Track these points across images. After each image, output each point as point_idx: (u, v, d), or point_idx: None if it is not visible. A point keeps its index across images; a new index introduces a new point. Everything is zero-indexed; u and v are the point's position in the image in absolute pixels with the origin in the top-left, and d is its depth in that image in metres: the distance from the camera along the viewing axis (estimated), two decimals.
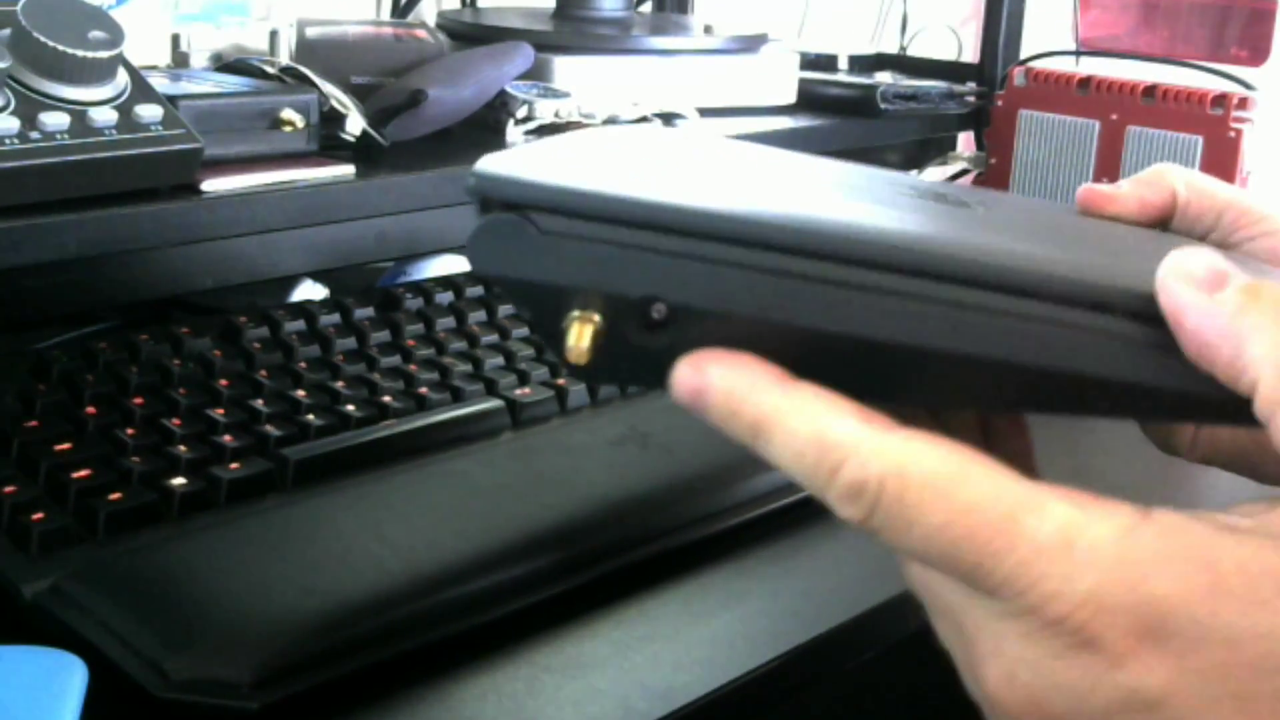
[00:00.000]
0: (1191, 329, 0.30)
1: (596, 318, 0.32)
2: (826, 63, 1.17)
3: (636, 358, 0.32)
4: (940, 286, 0.31)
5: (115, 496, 0.52)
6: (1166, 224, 0.40)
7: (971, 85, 1.12)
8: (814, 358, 0.31)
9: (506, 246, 0.32)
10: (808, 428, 0.31)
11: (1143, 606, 0.28)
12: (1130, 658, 0.28)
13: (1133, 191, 0.40)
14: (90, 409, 0.57)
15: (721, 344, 0.31)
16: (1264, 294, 0.30)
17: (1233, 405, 0.30)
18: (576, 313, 0.32)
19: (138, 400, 0.58)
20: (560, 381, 0.66)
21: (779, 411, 0.31)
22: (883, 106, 1.04)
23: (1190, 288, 0.30)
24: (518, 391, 0.64)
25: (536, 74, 0.89)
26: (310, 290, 0.82)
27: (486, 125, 0.86)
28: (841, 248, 0.31)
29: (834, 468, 0.30)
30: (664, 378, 0.32)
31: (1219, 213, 0.39)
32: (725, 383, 0.31)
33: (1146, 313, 0.31)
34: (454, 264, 0.88)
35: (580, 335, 0.32)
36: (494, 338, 0.69)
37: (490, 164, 0.32)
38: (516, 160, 0.33)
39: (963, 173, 1.15)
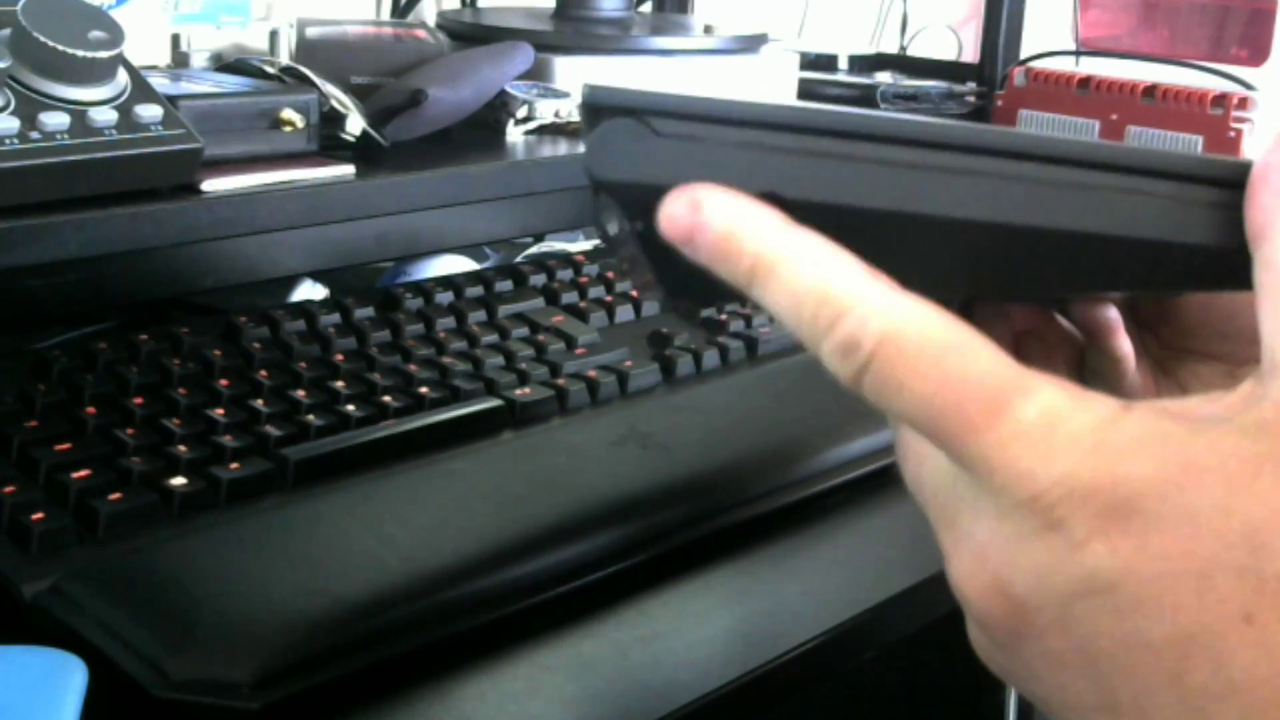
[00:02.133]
0: (1276, 185, 0.31)
1: None
2: (826, 63, 1.17)
3: None
4: (1043, 167, 0.33)
5: (115, 497, 0.52)
6: None
7: (971, 85, 1.12)
8: (914, 249, 0.33)
9: (625, 149, 0.33)
10: (810, 276, 0.31)
11: (1114, 489, 0.28)
12: (1093, 539, 0.28)
13: None
14: (90, 409, 0.57)
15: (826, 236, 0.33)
16: None
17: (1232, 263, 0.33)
18: None
19: (138, 400, 0.58)
20: (560, 381, 0.66)
21: (781, 255, 0.31)
22: (883, 106, 1.04)
23: None
24: (518, 391, 0.64)
25: (536, 74, 0.89)
26: (310, 290, 0.82)
27: (486, 125, 0.86)
28: (947, 137, 0.33)
29: (831, 320, 0.30)
30: None
31: None
32: (724, 222, 0.32)
33: (1199, 175, 0.33)
34: (454, 264, 0.88)
35: None
36: (494, 338, 0.69)
37: (600, 81, 0.34)
38: (620, 83, 0.35)
39: None
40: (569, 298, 0.75)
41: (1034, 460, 0.29)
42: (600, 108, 0.33)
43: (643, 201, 0.33)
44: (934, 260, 0.34)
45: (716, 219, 0.32)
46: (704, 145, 0.33)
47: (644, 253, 0.34)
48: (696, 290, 0.35)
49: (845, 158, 0.33)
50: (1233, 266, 0.33)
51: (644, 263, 0.35)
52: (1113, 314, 0.39)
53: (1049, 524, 0.29)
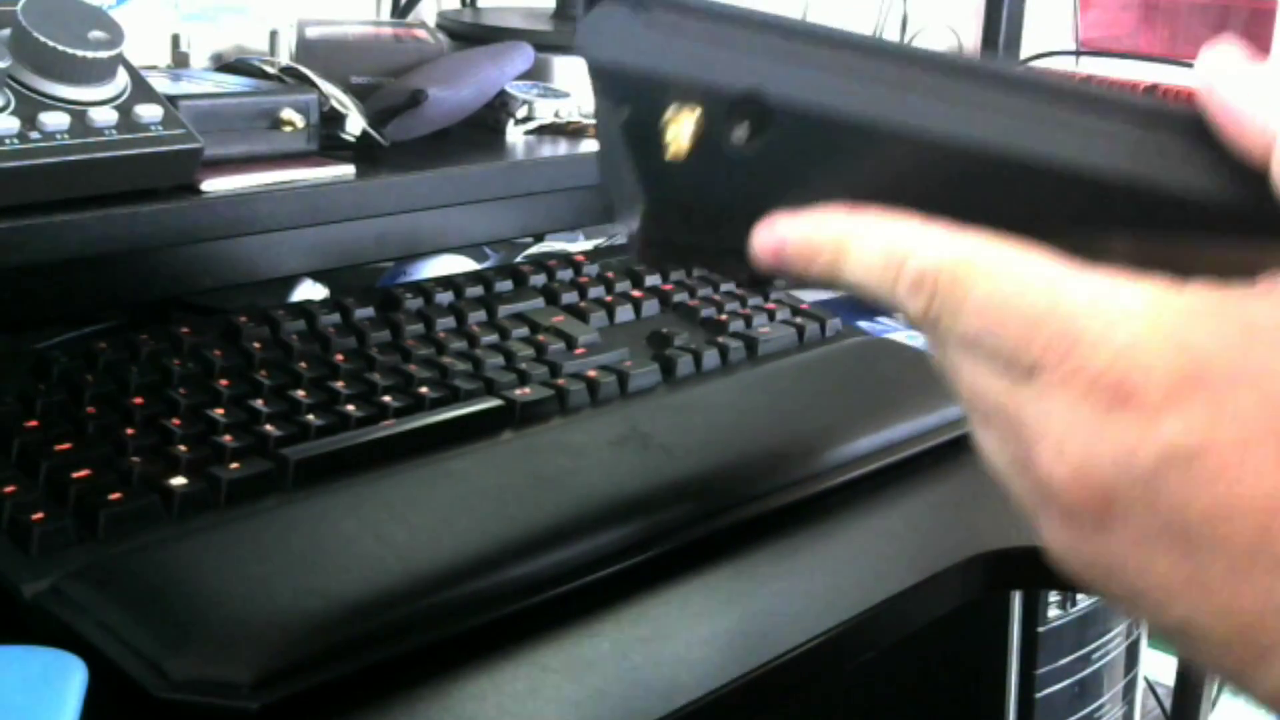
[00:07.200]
0: (1220, 100, 0.34)
1: (697, 112, 0.33)
2: None
3: (724, 169, 0.34)
4: (1013, 97, 0.34)
5: (115, 497, 0.52)
6: None
7: None
8: (887, 162, 0.34)
9: (621, 33, 0.33)
10: (877, 239, 0.34)
11: (1178, 355, 0.29)
12: (1167, 410, 0.29)
13: None
14: (90, 409, 0.57)
15: (808, 152, 0.34)
16: None
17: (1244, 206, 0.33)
18: (675, 107, 0.33)
19: (138, 400, 0.58)
20: (560, 381, 0.66)
21: (848, 234, 0.34)
22: None
23: (1225, 62, 0.34)
24: (518, 391, 0.64)
25: (536, 74, 0.89)
26: (310, 290, 0.82)
27: (486, 125, 0.86)
28: (925, 58, 0.34)
29: (900, 263, 0.33)
30: (745, 198, 0.35)
31: None
32: (797, 229, 0.35)
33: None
34: (454, 264, 0.88)
35: (680, 128, 0.34)
36: (494, 338, 0.69)
37: None
38: None
39: None
40: (569, 298, 0.75)
41: (1096, 333, 0.30)
42: None
43: (630, 88, 0.33)
44: (910, 181, 0.34)
45: (794, 230, 0.35)
46: (694, 40, 0.33)
47: (628, 150, 0.35)
48: (673, 223, 0.35)
49: (826, 64, 0.34)
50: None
51: (628, 166, 0.35)
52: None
53: (1120, 397, 0.29)
